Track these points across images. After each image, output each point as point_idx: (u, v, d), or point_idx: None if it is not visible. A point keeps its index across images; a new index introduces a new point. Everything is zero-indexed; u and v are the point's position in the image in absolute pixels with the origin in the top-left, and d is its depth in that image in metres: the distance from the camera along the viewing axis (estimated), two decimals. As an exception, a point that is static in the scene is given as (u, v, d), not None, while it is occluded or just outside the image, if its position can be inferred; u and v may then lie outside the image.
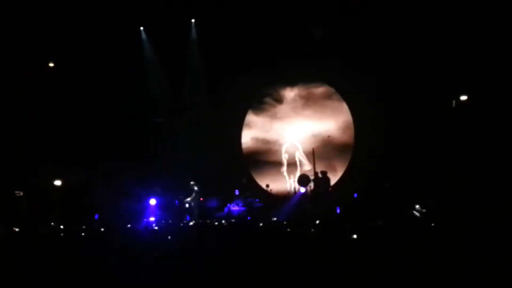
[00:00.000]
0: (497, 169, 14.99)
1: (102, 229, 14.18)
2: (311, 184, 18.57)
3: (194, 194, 18.13)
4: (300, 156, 21.22)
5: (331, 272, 7.50)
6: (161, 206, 17.97)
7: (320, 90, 21.20)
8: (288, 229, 11.92)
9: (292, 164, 21.29)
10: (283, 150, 21.46)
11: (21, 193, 17.35)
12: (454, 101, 17.80)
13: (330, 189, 18.25)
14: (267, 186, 20.02)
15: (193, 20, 20.41)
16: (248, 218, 17.24)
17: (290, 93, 21.58)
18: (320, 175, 18.62)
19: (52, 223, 15.78)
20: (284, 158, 21.42)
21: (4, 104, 17.42)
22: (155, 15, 19.07)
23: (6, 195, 16.97)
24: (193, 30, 20.51)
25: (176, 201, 18.33)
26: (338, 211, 16.82)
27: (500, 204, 12.36)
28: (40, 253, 9.39)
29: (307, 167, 20.73)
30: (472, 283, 6.89)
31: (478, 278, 6.92)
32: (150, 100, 20.59)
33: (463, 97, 17.46)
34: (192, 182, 18.35)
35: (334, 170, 20.28)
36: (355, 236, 9.68)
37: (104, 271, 8.01)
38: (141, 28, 20.43)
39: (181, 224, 16.26)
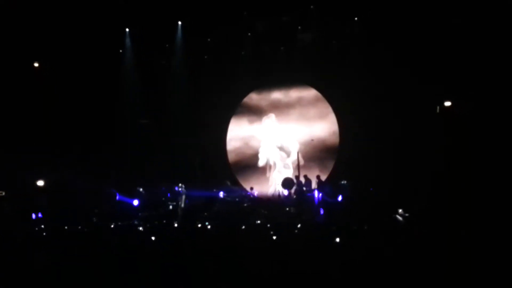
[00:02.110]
0: (482, 173, 15.12)
1: (86, 230, 14.12)
2: (295, 188, 18.61)
3: (183, 196, 18.06)
4: (284, 159, 21.27)
5: (314, 275, 7.52)
6: (144, 206, 17.85)
7: (306, 94, 21.25)
8: (272, 232, 11.92)
9: (276, 167, 21.31)
10: (268, 153, 21.49)
11: (3, 193, 17.20)
12: (438, 107, 17.92)
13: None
14: (251, 188, 20.01)
15: (179, 22, 20.38)
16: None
17: (275, 97, 21.62)
18: (303, 178, 18.70)
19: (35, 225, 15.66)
20: (268, 161, 21.44)
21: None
22: (142, 17, 19.03)
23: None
24: (179, 32, 20.47)
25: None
26: (322, 212, 16.83)
27: (485, 208, 12.47)
28: (23, 254, 9.34)
29: (291, 170, 20.78)
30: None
31: (460, 282, 6.97)
32: (135, 101, 20.52)
33: (447, 103, 17.59)
34: (180, 184, 18.28)
35: (328, 171, 20.44)
36: (338, 239, 9.71)
37: (88, 272, 8.00)
38: (127, 29, 20.37)
39: (164, 221, 16.23)
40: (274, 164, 21.35)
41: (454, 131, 16.74)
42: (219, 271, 7.78)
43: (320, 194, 17.67)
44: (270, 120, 21.66)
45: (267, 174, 21.37)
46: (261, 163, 21.50)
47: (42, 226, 15.11)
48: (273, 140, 21.49)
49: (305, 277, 7.43)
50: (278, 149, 21.43)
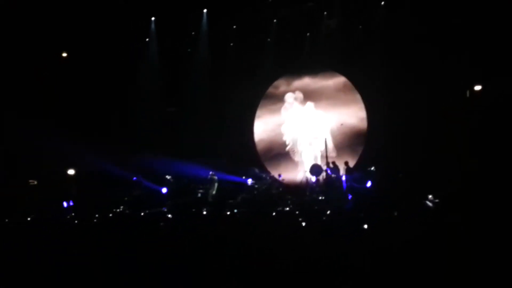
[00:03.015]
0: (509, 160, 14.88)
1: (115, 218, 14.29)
2: (323, 174, 18.56)
3: (216, 184, 18.18)
4: (313, 146, 21.19)
5: (343, 261, 7.50)
6: (172, 194, 17.98)
7: (333, 80, 21.14)
8: (300, 219, 11.90)
9: (305, 154, 21.26)
10: (296, 140, 21.44)
11: (35, 182, 17.49)
12: (468, 91, 17.66)
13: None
14: (279, 175, 20.00)
15: (205, 10, 20.37)
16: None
17: (302, 84, 21.54)
18: (331, 165, 18.61)
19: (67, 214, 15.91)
20: (297, 148, 21.40)
21: (18, 94, 17.51)
22: (168, 5, 19.05)
23: (21, 184, 17.12)
24: (205, 20, 20.47)
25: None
26: (349, 198, 16.76)
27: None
28: (54, 241, 9.47)
29: (320, 156, 20.72)
30: (482, 275, 6.85)
31: (488, 270, 6.88)
32: (161, 89, 20.64)
33: (477, 87, 17.32)
34: (211, 172, 18.40)
35: (356, 157, 20.44)
36: (365, 226, 9.66)
37: (116, 259, 8.09)
38: (152, 18, 20.41)
39: (193, 210, 16.29)
40: (305, 151, 21.29)
41: (484, 115, 16.46)
42: (246, 259, 7.80)
43: (348, 181, 17.59)
44: (296, 95, 21.61)
45: (295, 159, 21.32)
46: (287, 142, 21.48)
47: (73, 214, 15.36)
48: (300, 127, 21.43)
49: (332, 264, 7.40)
50: (304, 127, 21.41)
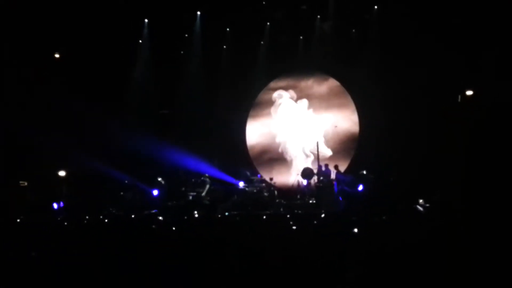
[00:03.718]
0: (503, 165, 14.91)
1: (106, 220, 14.23)
2: (315, 178, 18.56)
3: (207, 186, 18.17)
4: (305, 145, 21.20)
5: (333, 266, 7.49)
6: (164, 197, 17.93)
7: (326, 83, 21.21)
8: (291, 222, 11.90)
9: (296, 157, 21.26)
10: (288, 143, 21.44)
11: (26, 183, 17.39)
12: (459, 96, 17.71)
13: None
14: (271, 179, 19.98)
15: (198, 12, 20.36)
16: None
17: (296, 86, 21.57)
18: (323, 168, 18.62)
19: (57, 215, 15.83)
20: (289, 146, 21.40)
21: (9, 94, 17.42)
22: (161, 7, 19.03)
23: (11, 185, 17.02)
24: (198, 23, 20.47)
25: None
26: (340, 199, 16.79)
27: (505, 200, 12.29)
28: (44, 243, 9.42)
29: (312, 156, 20.75)
30: (474, 281, 6.85)
31: (481, 276, 6.88)
32: (154, 92, 20.58)
33: (469, 92, 17.37)
34: (205, 174, 18.39)
35: (348, 160, 20.50)
36: (356, 230, 9.65)
37: (107, 263, 8.05)
38: (145, 20, 20.37)
39: (185, 218, 16.25)
40: (297, 154, 21.28)
41: (477, 120, 16.51)
42: (238, 262, 7.78)
43: (340, 184, 17.60)
44: (289, 94, 21.68)
45: (288, 158, 21.31)
46: (279, 141, 21.48)
47: (64, 216, 15.28)
48: (292, 131, 21.44)
49: (324, 268, 7.40)
50: (297, 125, 21.43)
